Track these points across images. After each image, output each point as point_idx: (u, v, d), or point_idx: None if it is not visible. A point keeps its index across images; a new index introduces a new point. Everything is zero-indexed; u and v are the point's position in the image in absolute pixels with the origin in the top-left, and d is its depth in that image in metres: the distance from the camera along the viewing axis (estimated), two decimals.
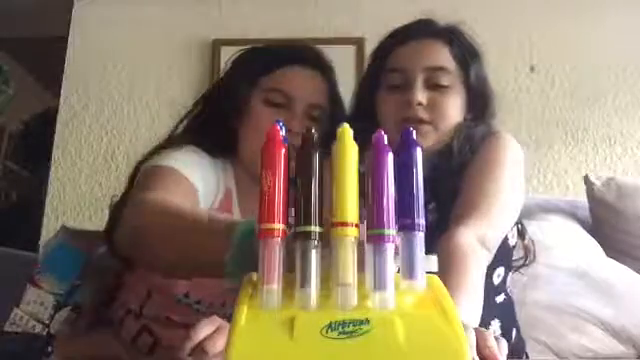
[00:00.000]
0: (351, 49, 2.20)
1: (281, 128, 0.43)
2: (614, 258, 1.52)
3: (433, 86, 0.95)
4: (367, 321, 0.38)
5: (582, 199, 1.71)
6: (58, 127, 2.30)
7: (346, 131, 0.43)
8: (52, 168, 2.26)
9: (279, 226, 0.41)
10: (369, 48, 2.17)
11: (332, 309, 0.39)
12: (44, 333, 1.16)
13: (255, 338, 0.38)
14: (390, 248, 0.41)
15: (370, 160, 0.43)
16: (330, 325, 0.38)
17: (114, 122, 2.28)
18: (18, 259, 1.54)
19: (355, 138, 0.43)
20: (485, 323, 0.90)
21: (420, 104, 0.93)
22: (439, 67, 0.95)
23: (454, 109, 0.96)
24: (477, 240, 0.79)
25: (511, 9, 2.25)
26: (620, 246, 1.59)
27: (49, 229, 2.14)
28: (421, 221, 0.43)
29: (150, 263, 0.74)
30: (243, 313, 0.39)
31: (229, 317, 0.91)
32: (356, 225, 0.41)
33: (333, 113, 1.05)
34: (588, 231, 1.62)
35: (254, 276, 0.44)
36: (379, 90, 1.00)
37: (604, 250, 1.55)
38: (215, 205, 0.97)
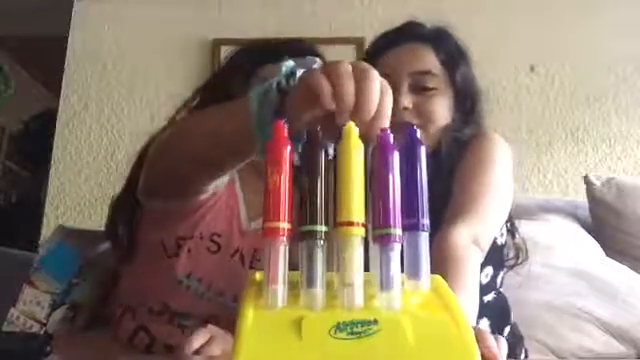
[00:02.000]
0: (351, 49, 2.20)
1: (285, 125, 0.43)
2: (614, 258, 1.52)
3: (419, 89, 0.96)
4: (375, 321, 0.38)
5: (582, 199, 1.71)
6: (58, 127, 2.29)
7: (352, 129, 0.42)
8: (52, 168, 2.25)
9: (285, 225, 0.40)
10: None
11: (339, 309, 0.39)
12: (41, 332, 1.16)
13: (262, 339, 0.37)
14: (397, 248, 0.40)
15: (375, 159, 0.43)
16: (338, 326, 0.37)
17: (114, 122, 2.28)
18: (18, 259, 1.54)
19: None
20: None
21: (406, 109, 0.95)
22: (424, 71, 0.97)
23: (441, 111, 0.97)
24: (470, 239, 0.81)
25: (511, 9, 2.25)
26: (620, 246, 1.59)
27: (49, 229, 2.14)
28: (426, 221, 0.43)
29: (188, 159, 0.77)
30: (249, 314, 0.39)
31: (227, 306, 0.92)
32: (363, 224, 0.41)
33: None
34: (588, 231, 1.62)
35: (257, 275, 0.43)
36: None
37: (604, 250, 1.55)
38: (222, 188, 0.99)
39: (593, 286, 1.40)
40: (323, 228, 0.41)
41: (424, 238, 0.42)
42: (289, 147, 0.42)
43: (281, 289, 0.39)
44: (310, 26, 2.29)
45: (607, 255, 1.53)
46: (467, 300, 0.72)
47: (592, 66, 2.17)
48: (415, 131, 0.44)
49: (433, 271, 0.43)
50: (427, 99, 0.96)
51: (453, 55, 1.00)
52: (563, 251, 1.50)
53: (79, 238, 1.26)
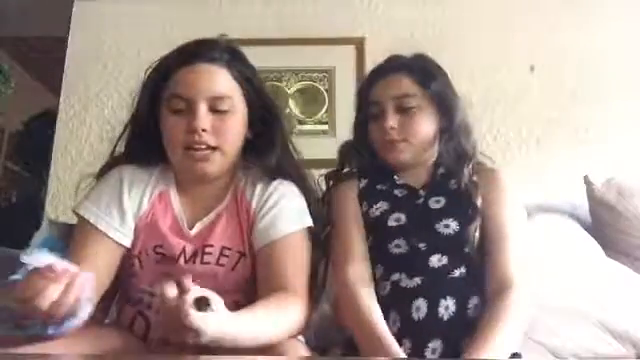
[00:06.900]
0: (351, 49, 2.20)
1: None
2: (614, 258, 1.52)
3: (403, 110, 1.19)
4: None
5: (582, 199, 1.71)
6: (58, 127, 2.29)
7: None
8: (52, 168, 2.25)
9: None
10: (369, 48, 2.18)
11: None
12: None
13: None
14: None
15: None
16: None
17: (114, 122, 2.28)
18: (18, 259, 1.54)
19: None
20: (435, 302, 1.03)
21: (393, 128, 1.17)
22: (404, 94, 1.19)
23: (423, 125, 1.19)
24: None
25: (512, 9, 2.25)
26: (620, 246, 1.59)
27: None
28: None
29: None
30: None
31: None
32: None
33: (250, 98, 1.06)
34: (588, 231, 1.62)
35: None
36: (368, 120, 1.24)
37: (604, 250, 1.55)
38: (145, 208, 1.05)
39: (593, 286, 1.40)
40: None
41: None
42: None
43: None
44: (310, 26, 2.28)
45: (607, 255, 1.53)
46: None
47: (592, 66, 2.16)
48: None
49: None
50: (409, 117, 1.18)
51: (427, 75, 1.20)
52: (563, 251, 1.50)
53: (67, 232, 1.28)
